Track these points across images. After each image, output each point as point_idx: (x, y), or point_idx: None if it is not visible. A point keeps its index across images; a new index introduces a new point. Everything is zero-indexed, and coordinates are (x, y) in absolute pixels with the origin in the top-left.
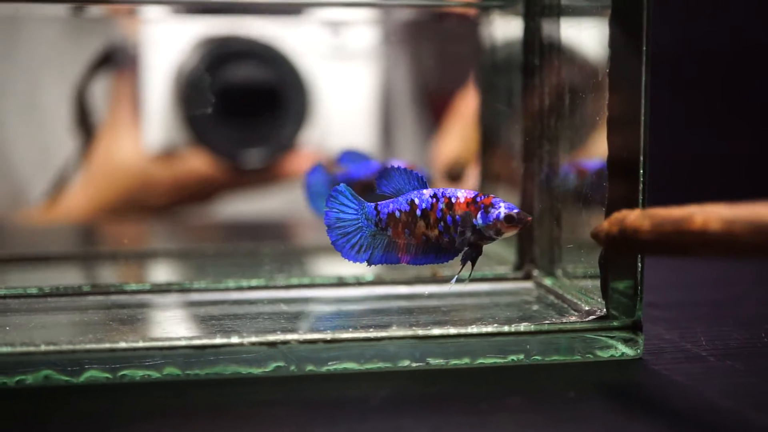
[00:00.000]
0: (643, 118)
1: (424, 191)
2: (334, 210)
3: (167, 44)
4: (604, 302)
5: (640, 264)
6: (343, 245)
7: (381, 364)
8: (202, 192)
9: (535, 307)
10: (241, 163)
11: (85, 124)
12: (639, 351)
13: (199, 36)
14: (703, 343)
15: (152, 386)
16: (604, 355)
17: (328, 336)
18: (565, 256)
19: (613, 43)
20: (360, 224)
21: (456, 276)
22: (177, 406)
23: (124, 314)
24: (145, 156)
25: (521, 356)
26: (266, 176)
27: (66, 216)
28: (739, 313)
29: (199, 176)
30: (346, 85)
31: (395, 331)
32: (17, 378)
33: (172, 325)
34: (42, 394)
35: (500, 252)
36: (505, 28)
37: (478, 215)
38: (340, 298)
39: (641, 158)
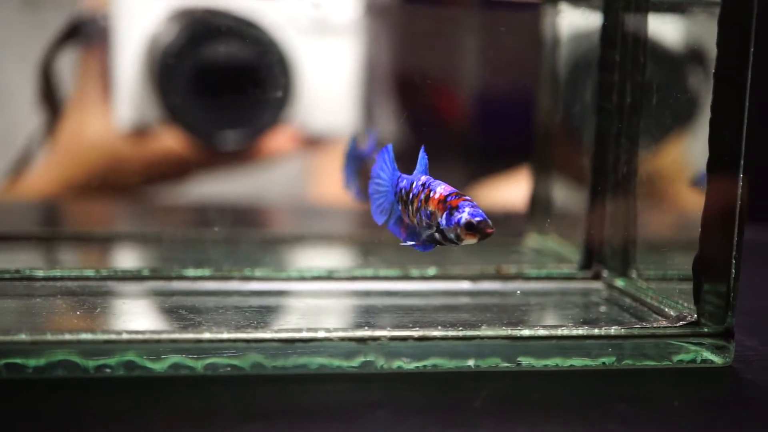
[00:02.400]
0: (746, 121)
1: (422, 177)
2: (377, 166)
3: (140, 15)
4: (694, 307)
5: (734, 270)
6: (373, 201)
7: (471, 363)
8: (174, 172)
9: (610, 309)
10: (218, 145)
11: (51, 100)
12: (729, 359)
13: (175, 7)
14: None
15: (239, 380)
16: (695, 361)
17: (418, 333)
18: (643, 257)
19: (722, 42)
20: (388, 189)
21: (406, 242)
22: (267, 402)
23: (194, 302)
24: (115, 134)
25: (612, 359)
26: (244, 156)
27: (29, 195)
28: None
29: (172, 156)
30: (329, 62)
31: (487, 331)
32: (98, 364)
33: (251, 316)
34: (126, 385)
35: (558, 249)
36: (576, 21)
37: (443, 216)
38: (403, 291)
39: (742, 162)
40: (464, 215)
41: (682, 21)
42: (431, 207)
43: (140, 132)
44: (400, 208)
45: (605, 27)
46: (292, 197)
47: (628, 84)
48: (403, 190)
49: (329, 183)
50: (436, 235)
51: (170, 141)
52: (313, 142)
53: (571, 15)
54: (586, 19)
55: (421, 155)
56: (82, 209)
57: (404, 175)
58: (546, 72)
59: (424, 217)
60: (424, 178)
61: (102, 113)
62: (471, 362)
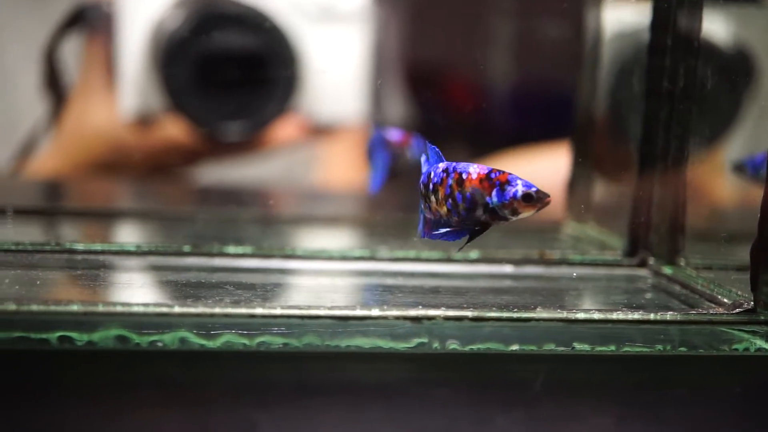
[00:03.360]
0: None
1: (439, 165)
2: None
3: (145, 2)
4: (751, 295)
5: None
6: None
7: (524, 347)
8: (178, 161)
9: (660, 296)
10: (223, 135)
11: (55, 87)
12: None
13: None
14: None
15: (292, 356)
16: (750, 349)
17: (473, 313)
18: (693, 245)
19: None
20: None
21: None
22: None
23: (240, 278)
24: (119, 122)
25: (668, 346)
26: (249, 146)
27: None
28: None
29: (176, 146)
30: (337, 49)
31: (542, 313)
32: (151, 339)
33: (298, 294)
34: (180, 359)
35: (597, 236)
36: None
37: (493, 193)
38: (447, 274)
39: None
40: (519, 188)
41: (730, 10)
42: (470, 188)
43: (144, 120)
44: (421, 205)
45: (655, 11)
46: (303, 183)
47: (680, 69)
48: (421, 185)
49: (338, 170)
50: (482, 216)
51: (174, 129)
52: (320, 131)
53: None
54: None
55: (429, 146)
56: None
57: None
58: (587, 57)
59: (460, 202)
60: (442, 165)
61: (106, 100)
62: (525, 345)
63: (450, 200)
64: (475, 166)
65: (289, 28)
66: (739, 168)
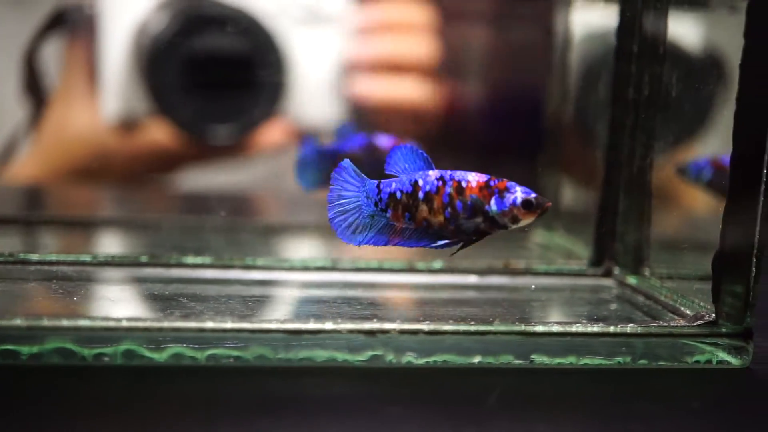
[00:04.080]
0: None
1: (430, 172)
2: (337, 187)
3: (127, 4)
4: (713, 307)
5: (754, 268)
6: (339, 224)
7: (482, 359)
8: (161, 165)
9: (623, 307)
10: (208, 139)
11: (35, 91)
12: (747, 360)
13: None
14: None
15: (245, 371)
16: (712, 361)
17: (429, 326)
18: (658, 255)
19: (750, 33)
20: (359, 203)
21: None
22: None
23: (195, 290)
24: (102, 126)
25: (627, 359)
26: (234, 150)
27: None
28: None
29: (160, 150)
30: (323, 52)
31: (499, 326)
32: (96, 352)
33: (254, 306)
34: (125, 373)
35: (564, 245)
36: (588, 10)
37: (492, 201)
38: (410, 284)
39: (766, 156)
40: (518, 195)
41: (701, 14)
42: (470, 196)
43: (128, 124)
44: (389, 214)
45: (622, 17)
46: (283, 189)
47: (645, 76)
48: (399, 193)
49: None
50: (481, 224)
51: (159, 134)
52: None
53: (585, 5)
54: (604, 10)
55: (418, 152)
56: (72, 196)
57: (388, 180)
58: (557, 64)
59: (460, 210)
60: (434, 173)
61: (88, 104)
62: (483, 358)
63: (449, 209)
64: (474, 174)
65: (274, 31)
66: (682, 171)
